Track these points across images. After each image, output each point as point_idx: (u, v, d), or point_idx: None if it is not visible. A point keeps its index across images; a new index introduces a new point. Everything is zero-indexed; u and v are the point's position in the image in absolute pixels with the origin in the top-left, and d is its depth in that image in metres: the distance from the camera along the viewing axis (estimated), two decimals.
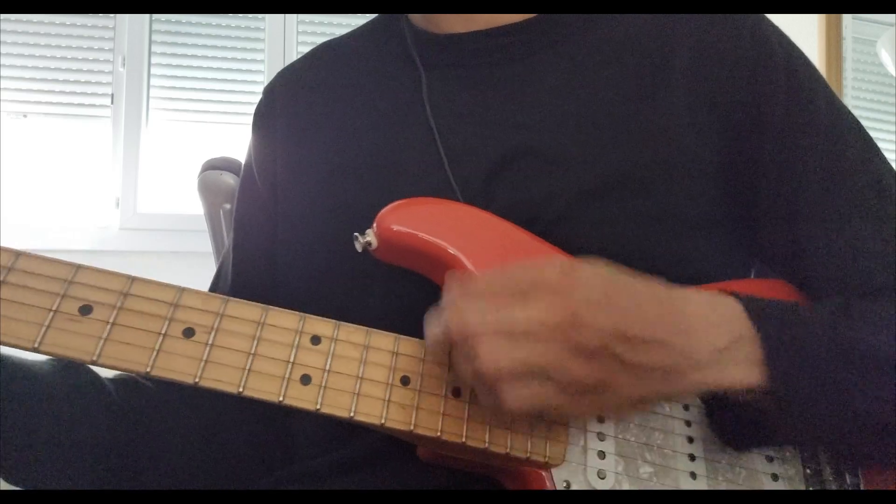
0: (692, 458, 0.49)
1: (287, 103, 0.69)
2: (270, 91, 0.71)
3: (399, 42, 0.65)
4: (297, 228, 0.63)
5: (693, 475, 0.48)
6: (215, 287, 0.71)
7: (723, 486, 0.48)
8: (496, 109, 0.58)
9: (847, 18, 2.59)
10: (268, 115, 0.70)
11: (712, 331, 0.43)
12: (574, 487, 0.45)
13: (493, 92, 0.59)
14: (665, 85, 0.57)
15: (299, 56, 0.74)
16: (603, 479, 0.46)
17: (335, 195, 0.60)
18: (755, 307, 0.46)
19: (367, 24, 0.72)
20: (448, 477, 0.50)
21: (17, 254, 0.40)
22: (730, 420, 0.49)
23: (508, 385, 0.39)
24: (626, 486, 0.46)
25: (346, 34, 0.73)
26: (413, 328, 0.46)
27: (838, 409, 0.45)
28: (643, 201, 0.53)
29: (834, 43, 2.51)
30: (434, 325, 0.42)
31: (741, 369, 0.44)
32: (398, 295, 0.54)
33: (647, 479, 0.47)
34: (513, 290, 0.40)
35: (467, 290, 0.41)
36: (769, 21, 0.60)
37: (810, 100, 0.57)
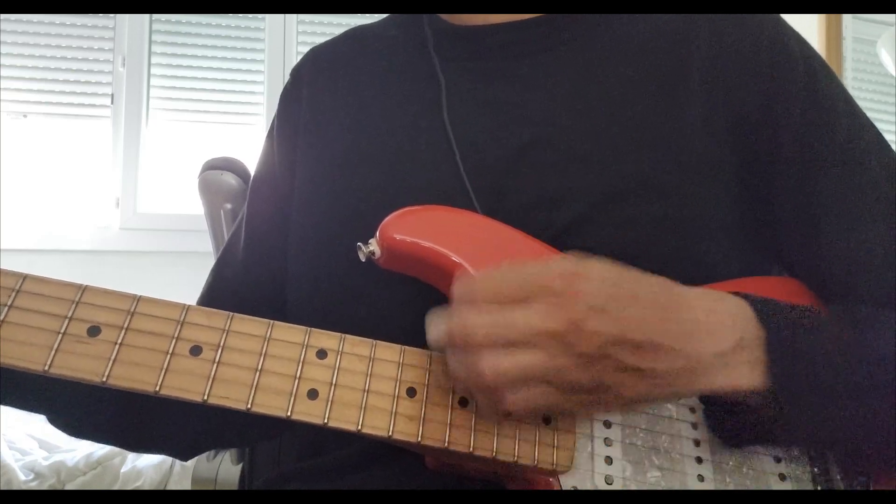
0: (699, 460, 0.49)
1: (311, 83, 0.69)
2: (297, 72, 0.72)
3: (420, 32, 0.65)
4: (309, 212, 0.63)
5: (700, 478, 0.48)
6: (222, 269, 0.70)
7: (731, 488, 0.48)
8: (512, 103, 0.58)
9: (847, 18, 2.59)
10: (293, 97, 0.70)
11: (716, 334, 0.43)
12: None
13: (509, 86, 0.59)
14: (682, 86, 0.57)
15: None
16: (610, 484, 0.46)
17: (347, 179, 0.60)
18: (764, 308, 0.45)
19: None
20: (452, 476, 0.50)
21: (23, 277, 0.40)
22: (728, 419, 0.48)
23: (508, 390, 0.39)
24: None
25: (376, 21, 0.73)
26: (420, 316, 0.46)
27: (840, 414, 0.44)
28: (661, 205, 0.53)
29: (834, 43, 2.51)
30: (435, 329, 0.42)
31: (743, 372, 0.43)
32: (406, 281, 0.54)
33: (654, 483, 0.47)
34: (513, 294, 0.39)
35: (468, 292, 0.40)
36: (787, 24, 0.60)
37: (829, 105, 0.57)
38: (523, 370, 0.38)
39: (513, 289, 0.40)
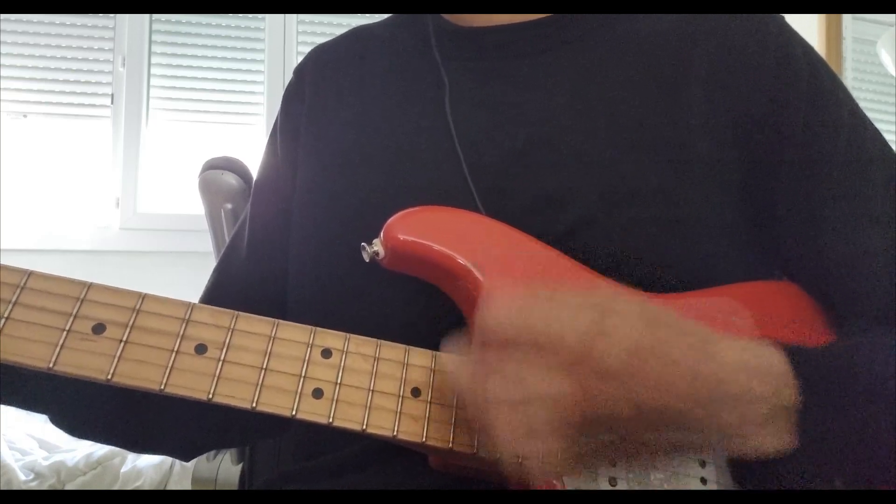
0: (703, 464, 0.48)
1: (314, 83, 0.69)
2: (300, 70, 0.72)
3: (422, 32, 0.66)
4: (310, 212, 0.62)
5: (703, 480, 0.48)
6: (227, 266, 0.70)
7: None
8: (513, 103, 0.58)
9: (847, 18, 2.60)
10: (295, 96, 0.70)
11: (750, 405, 0.41)
12: None
13: (511, 86, 0.59)
14: (684, 88, 0.57)
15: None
16: (614, 485, 0.46)
17: (349, 178, 0.60)
18: (800, 363, 0.43)
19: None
20: (454, 476, 0.49)
21: (28, 273, 0.40)
22: (747, 466, 0.46)
23: (521, 444, 0.38)
24: None
25: (379, 21, 0.74)
26: (422, 316, 0.45)
27: (861, 460, 0.43)
28: (662, 206, 0.53)
29: (834, 43, 2.51)
30: (457, 379, 0.41)
31: (772, 438, 0.42)
32: (409, 281, 0.53)
33: (657, 484, 0.47)
34: (533, 349, 0.38)
35: (488, 330, 0.40)
36: (791, 27, 0.60)
37: (832, 108, 0.57)
38: (532, 428, 0.38)
39: (534, 342, 0.38)
